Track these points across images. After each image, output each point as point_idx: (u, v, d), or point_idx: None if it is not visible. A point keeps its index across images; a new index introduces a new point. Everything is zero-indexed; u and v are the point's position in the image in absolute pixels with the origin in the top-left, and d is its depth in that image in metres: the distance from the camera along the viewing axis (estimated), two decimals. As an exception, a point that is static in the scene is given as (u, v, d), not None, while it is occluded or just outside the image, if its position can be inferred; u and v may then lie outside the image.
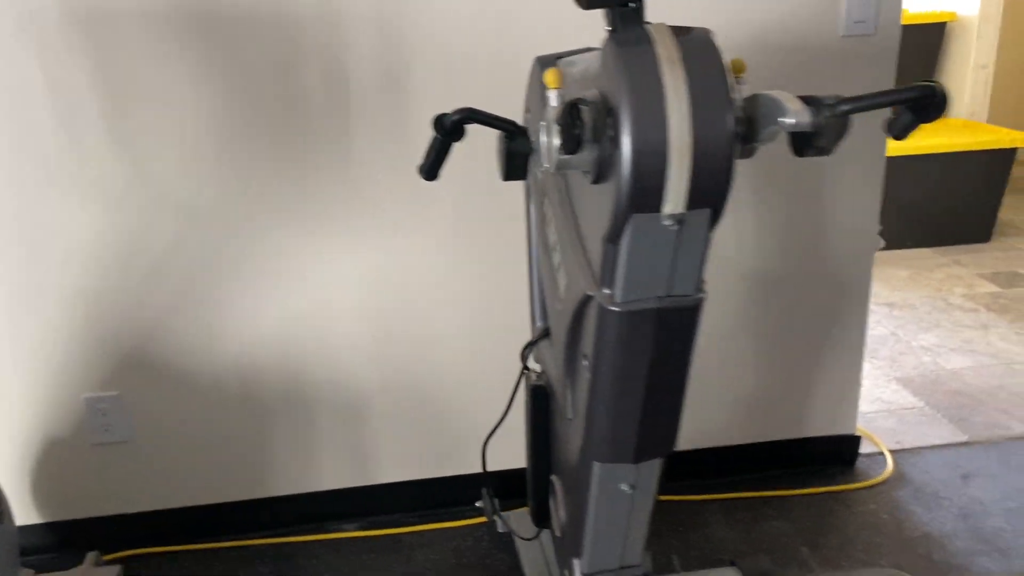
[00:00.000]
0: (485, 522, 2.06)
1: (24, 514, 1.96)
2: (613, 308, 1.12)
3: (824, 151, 1.00)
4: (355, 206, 1.84)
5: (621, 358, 1.16)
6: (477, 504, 2.03)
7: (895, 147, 3.72)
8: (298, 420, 2.00)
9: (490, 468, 1.84)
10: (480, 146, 1.62)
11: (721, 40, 1.68)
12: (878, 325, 3.13)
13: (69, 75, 1.68)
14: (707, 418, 2.17)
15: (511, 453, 1.96)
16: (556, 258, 1.34)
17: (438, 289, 1.93)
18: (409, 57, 1.75)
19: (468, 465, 2.08)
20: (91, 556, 1.96)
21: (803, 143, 1.01)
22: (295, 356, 1.94)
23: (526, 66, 1.47)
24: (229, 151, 1.77)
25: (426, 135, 1.72)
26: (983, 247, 3.90)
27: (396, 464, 2.08)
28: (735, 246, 2.01)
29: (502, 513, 1.93)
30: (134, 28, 1.66)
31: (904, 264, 3.75)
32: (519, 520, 1.93)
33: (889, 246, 3.89)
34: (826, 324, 2.13)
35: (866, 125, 1.92)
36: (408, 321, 1.94)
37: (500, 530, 1.99)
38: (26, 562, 1.86)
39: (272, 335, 1.92)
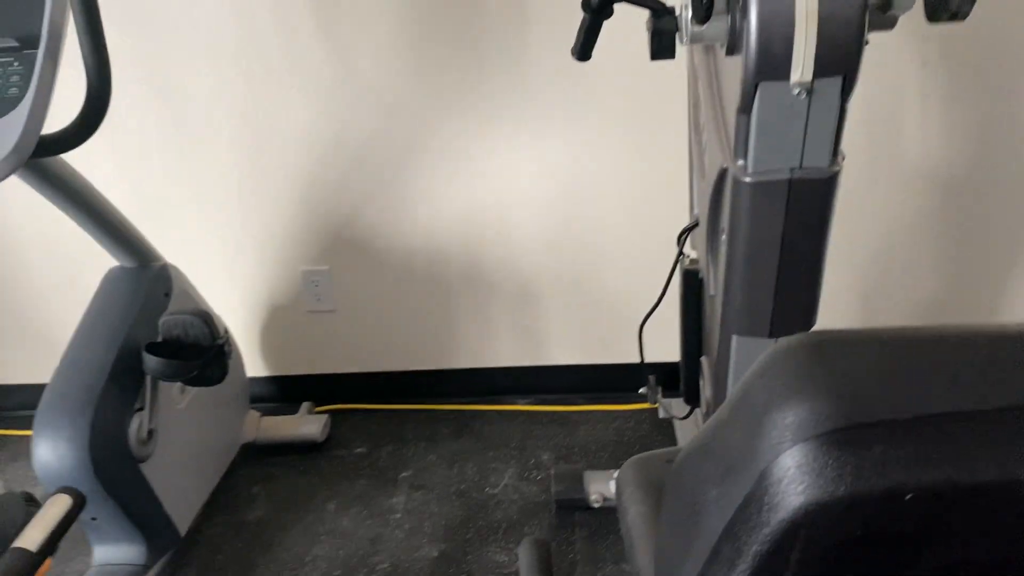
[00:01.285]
0: (648, 408, 2.18)
1: (252, 367, 2.31)
2: (746, 179, 1.17)
3: (958, 14, 0.99)
4: (528, 103, 1.95)
5: (754, 230, 1.21)
6: (640, 391, 2.13)
7: None
8: (478, 300, 2.20)
9: (656, 359, 1.93)
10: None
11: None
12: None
13: (287, -18, 1.91)
14: (884, 324, 2.13)
15: (676, 345, 2.05)
16: (704, 138, 1.39)
17: (605, 179, 2.02)
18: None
19: (633, 354, 2.18)
20: (305, 406, 2.29)
21: (936, 6, 1.00)
22: (476, 240, 2.12)
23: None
24: (421, 52, 1.94)
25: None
26: None
27: (566, 347, 2.23)
28: (920, 146, 1.93)
29: (665, 400, 2.03)
30: (341, -64, 1.85)
31: None
32: (679, 406, 2.02)
33: None
34: (1021, 235, 2.01)
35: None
36: (577, 210, 2.06)
37: (661, 416, 2.09)
38: (253, 407, 2.21)
39: (456, 220, 2.11)
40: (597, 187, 2.03)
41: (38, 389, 1.63)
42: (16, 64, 1.32)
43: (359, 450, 2.15)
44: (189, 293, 1.91)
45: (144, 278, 1.80)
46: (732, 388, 1.48)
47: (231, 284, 2.22)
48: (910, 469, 0.43)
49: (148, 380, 1.70)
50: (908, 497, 0.43)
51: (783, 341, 0.49)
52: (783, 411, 0.46)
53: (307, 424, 2.19)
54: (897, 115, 1.91)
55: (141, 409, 1.70)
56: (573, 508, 1.87)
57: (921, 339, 0.47)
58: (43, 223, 2.14)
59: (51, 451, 1.56)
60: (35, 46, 1.32)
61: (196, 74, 1.99)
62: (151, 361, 1.65)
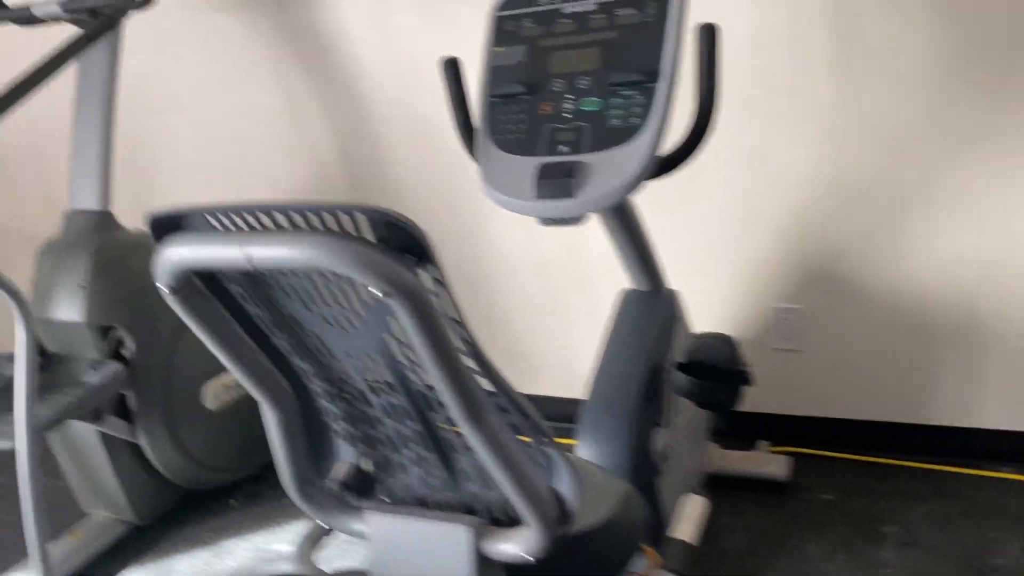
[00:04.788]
0: None
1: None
2: None
3: None
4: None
5: None
6: None
7: None
8: (968, 354, 2.06)
9: None
10: None
11: None
12: None
13: (805, 28, 1.94)
14: None
15: None
16: None
17: None
18: None
19: None
20: (763, 444, 2.28)
21: None
22: (970, 290, 2.00)
23: None
24: (940, 94, 1.88)
25: None
26: None
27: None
28: None
29: None
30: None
31: None
32: None
33: None
34: None
35: None
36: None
37: None
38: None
39: (948, 266, 2.00)
40: None
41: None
42: (639, 96, 1.45)
43: (826, 496, 2.09)
44: (686, 319, 1.98)
45: (659, 302, 1.90)
46: None
47: (699, 313, 2.27)
48: None
49: (667, 398, 1.78)
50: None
51: None
52: None
53: (770, 463, 2.17)
54: None
55: (658, 425, 1.77)
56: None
57: None
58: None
59: (596, 456, 1.67)
60: (655, 80, 1.44)
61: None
62: (684, 380, 1.72)
